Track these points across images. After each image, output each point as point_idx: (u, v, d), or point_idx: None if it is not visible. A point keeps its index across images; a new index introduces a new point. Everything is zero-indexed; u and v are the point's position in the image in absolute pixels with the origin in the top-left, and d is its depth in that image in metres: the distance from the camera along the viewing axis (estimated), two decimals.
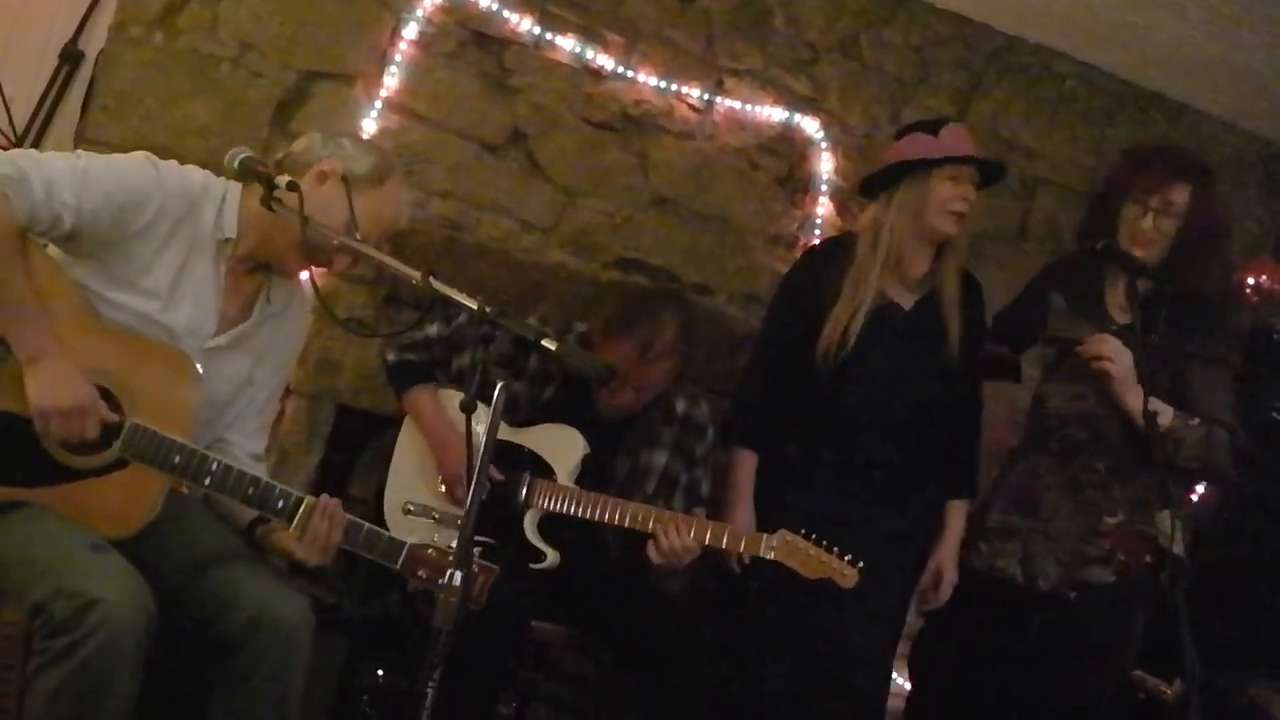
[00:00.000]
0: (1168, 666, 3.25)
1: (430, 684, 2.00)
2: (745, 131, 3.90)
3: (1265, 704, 3.39)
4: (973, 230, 3.28)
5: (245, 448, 2.49)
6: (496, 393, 2.06)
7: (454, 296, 2.11)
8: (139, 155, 2.29)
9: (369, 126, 3.48)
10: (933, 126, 3.12)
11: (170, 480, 2.27)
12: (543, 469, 3.02)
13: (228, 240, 2.34)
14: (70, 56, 3.45)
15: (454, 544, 2.07)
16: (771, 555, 2.82)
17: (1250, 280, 4.15)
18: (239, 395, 2.46)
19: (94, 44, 3.45)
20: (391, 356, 3.09)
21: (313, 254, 2.34)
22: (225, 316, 2.38)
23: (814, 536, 2.80)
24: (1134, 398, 2.78)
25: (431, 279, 2.12)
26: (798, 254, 3.82)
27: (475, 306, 2.09)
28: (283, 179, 2.24)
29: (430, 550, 2.29)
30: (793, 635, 3.00)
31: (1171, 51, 3.97)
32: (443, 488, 3.03)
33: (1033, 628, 2.99)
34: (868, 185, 3.20)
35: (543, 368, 3.08)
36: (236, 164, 2.24)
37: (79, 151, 2.26)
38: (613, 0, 3.74)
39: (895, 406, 3.08)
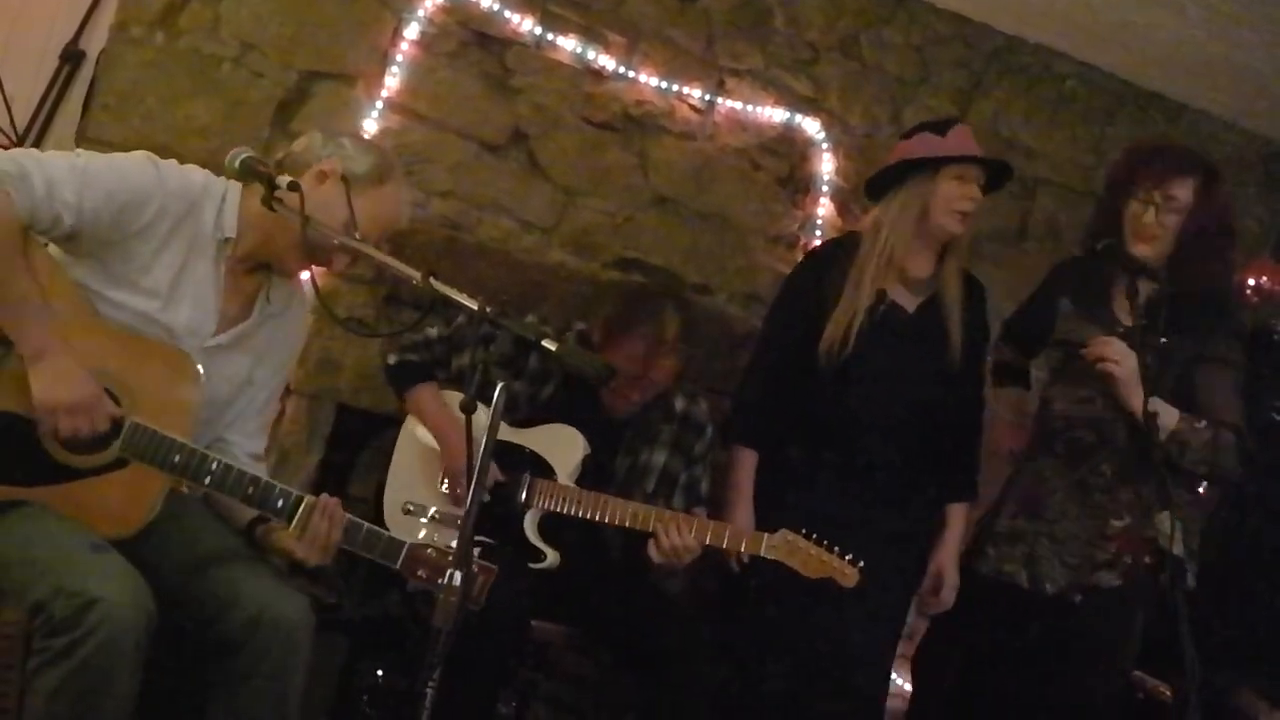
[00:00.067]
0: (1167, 666, 3.24)
1: (430, 684, 2.00)
2: (746, 132, 3.90)
3: (1250, 710, 3.38)
4: (973, 230, 3.28)
5: (245, 447, 2.49)
6: (497, 393, 2.06)
7: (454, 297, 2.11)
8: (140, 155, 2.29)
9: (370, 126, 3.48)
10: (940, 127, 3.12)
11: (170, 480, 2.27)
12: (543, 469, 3.02)
13: (228, 240, 2.35)
14: (71, 56, 3.46)
15: (454, 544, 2.07)
16: (772, 555, 2.82)
17: (1250, 280, 4.14)
18: (239, 395, 2.46)
19: (95, 44, 3.45)
20: (392, 359, 3.09)
21: (313, 253, 2.34)
22: (225, 316, 2.38)
23: (815, 536, 2.81)
24: (1139, 400, 2.74)
25: (431, 279, 2.12)
26: (798, 254, 3.83)
27: (475, 307, 2.09)
28: (284, 179, 2.24)
29: (430, 550, 2.29)
30: (792, 635, 3.00)
31: (1171, 51, 3.96)
32: (444, 484, 3.03)
33: (1035, 630, 2.97)
34: (873, 185, 3.19)
35: (542, 367, 3.09)
36: (237, 164, 2.24)
37: (80, 151, 2.26)
38: (613, 0, 3.74)
39: (897, 408, 3.07)
